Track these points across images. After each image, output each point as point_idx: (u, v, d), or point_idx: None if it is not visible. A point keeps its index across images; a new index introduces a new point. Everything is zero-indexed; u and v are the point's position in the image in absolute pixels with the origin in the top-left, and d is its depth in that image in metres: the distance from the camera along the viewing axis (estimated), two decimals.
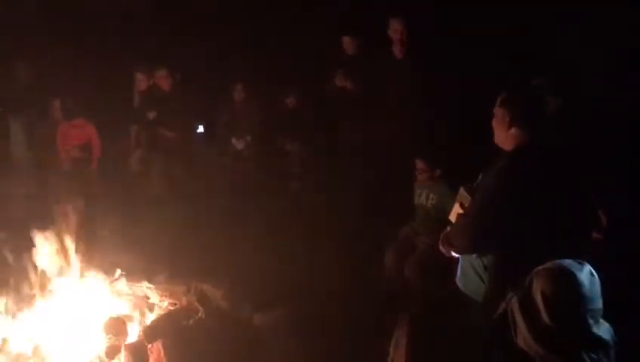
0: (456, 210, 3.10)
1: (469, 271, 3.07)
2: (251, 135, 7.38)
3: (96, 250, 4.72)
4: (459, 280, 3.16)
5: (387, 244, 5.13)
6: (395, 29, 6.34)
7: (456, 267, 3.21)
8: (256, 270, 5.07)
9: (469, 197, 3.03)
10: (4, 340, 3.78)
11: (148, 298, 4.36)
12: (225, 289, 4.61)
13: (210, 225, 5.99)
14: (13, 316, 4.01)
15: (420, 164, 4.97)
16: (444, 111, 5.91)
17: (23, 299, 4.13)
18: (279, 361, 4.04)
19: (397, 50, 6.36)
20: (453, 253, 3.09)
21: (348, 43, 6.79)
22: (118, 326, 3.82)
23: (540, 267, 2.36)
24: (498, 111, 2.95)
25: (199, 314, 4.18)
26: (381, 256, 5.12)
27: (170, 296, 4.40)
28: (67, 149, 6.82)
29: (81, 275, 4.26)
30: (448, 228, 3.14)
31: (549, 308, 2.27)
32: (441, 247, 3.12)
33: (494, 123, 2.99)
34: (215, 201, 6.60)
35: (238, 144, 7.36)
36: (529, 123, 2.89)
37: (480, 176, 3.11)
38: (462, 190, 3.12)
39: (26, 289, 4.21)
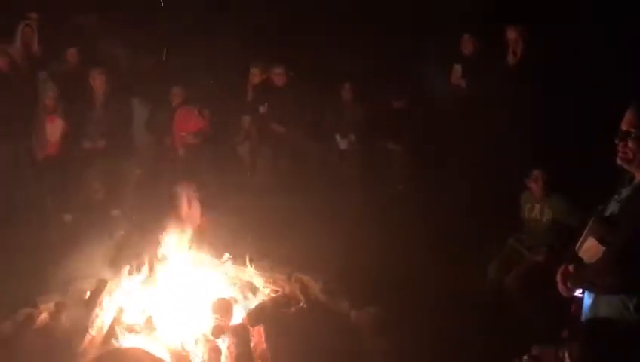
0: (591, 243, 2.71)
1: (610, 308, 2.71)
2: (356, 134, 7.43)
3: (205, 232, 4.94)
4: (589, 311, 2.90)
5: (491, 253, 5.04)
6: (510, 37, 6.20)
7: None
8: (356, 266, 5.13)
9: (607, 229, 2.65)
10: (120, 310, 4.02)
11: (252, 283, 4.49)
12: (324, 282, 4.70)
13: (311, 219, 6.11)
14: (130, 288, 4.26)
15: (537, 174, 4.80)
16: (557, 125, 5.76)
17: (138, 274, 4.36)
18: (373, 360, 4.05)
19: (510, 58, 6.21)
20: (577, 293, 2.87)
21: (467, 41, 6.69)
22: (225, 307, 3.96)
23: None
24: None
25: (301, 304, 4.27)
26: (481, 262, 5.05)
27: (274, 283, 4.51)
28: (182, 135, 7.14)
29: (193, 255, 4.46)
30: (571, 267, 2.80)
31: None
32: (560, 286, 2.84)
33: (633, 143, 2.58)
34: (317, 196, 6.71)
35: (342, 143, 7.43)
36: None
37: (613, 204, 2.73)
38: (595, 220, 2.73)
39: (141, 265, 4.44)
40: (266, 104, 7.25)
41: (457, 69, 6.74)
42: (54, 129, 6.48)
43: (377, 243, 5.69)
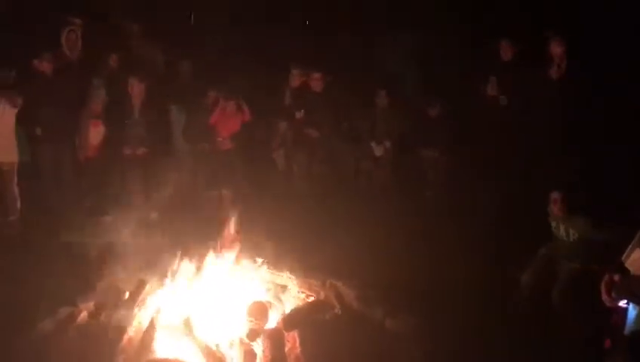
0: (638, 255, 2.75)
1: None
2: (391, 141, 7.42)
3: (242, 235, 4.98)
4: (634, 323, 2.87)
5: (523, 262, 4.99)
6: (555, 50, 6.10)
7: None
8: (390, 273, 5.12)
9: None
10: (158, 310, 4.09)
11: (287, 287, 4.51)
12: (358, 289, 4.70)
13: (345, 225, 6.12)
14: (168, 289, 4.32)
15: (556, 196, 4.75)
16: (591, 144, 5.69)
17: (176, 275, 4.42)
18: None
19: (553, 72, 6.13)
20: (621, 303, 2.82)
21: (506, 48, 6.62)
22: (260, 310, 3.99)
23: None
24: None
25: (335, 310, 4.28)
26: (514, 271, 5.01)
27: (309, 288, 4.52)
28: (219, 139, 7.22)
29: (230, 258, 4.50)
30: (616, 277, 2.81)
31: None
32: (604, 295, 2.85)
33: None
34: (352, 202, 6.72)
35: (377, 150, 7.43)
36: None
37: None
38: None
39: (178, 267, 4.50)
40: (303, 110, 7.29)
41: (493, 80, 6.67)
42: (97, 133, 6.62)
43: (411, 250, 5.69)
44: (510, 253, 5.43)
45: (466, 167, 6.91)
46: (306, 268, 4.86)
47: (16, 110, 5.85)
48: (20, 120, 6.02)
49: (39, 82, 6.21)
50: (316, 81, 7.34)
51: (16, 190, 6.00)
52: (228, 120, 7.16)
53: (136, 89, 6.66)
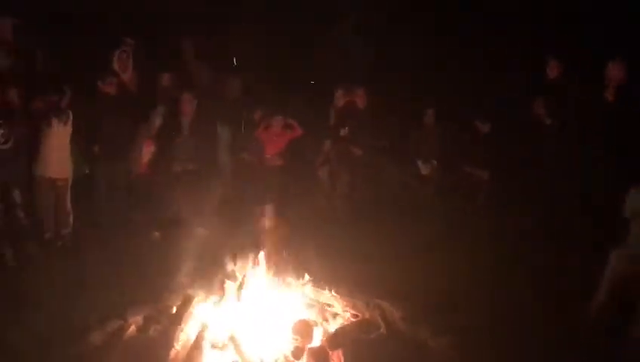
0: None
1: None
2: (437, 159, 7.36)
3: (286, 252, 5.00)
4: None
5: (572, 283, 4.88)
6: (613, 74, 5.94)
7: None
8: (436, 293, 5.06)
9: None
10: (205, 326, 4.12)
11: (332, 306, 4.49)
12: (404, 310, 4.64)
13: (390, 244, 6.08)
14: (215, 305, 4.36)
15: None
16: None
17: (223, 291, 4.46)
18: None
19: (609, 94, 5.98)
20: None
21: (552, 67, 6.51)
22: (305, 329, 3.98)
23: None
24: None
25: (381, 330, 4.23)
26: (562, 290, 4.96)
27: (353, 307, 4.49)
28: (266, 156, 7.30)
29: (274, 275, 4.52)
30: None
31: None
32: None
33: None
34: (396, 221, 6.67)
35: (424, 168, 7.38)
36: None
37: None
38: None
39: (225, 283, 4.53)
40: (347, 128, 7.31)
41: (540, 100, 6.55)
42: (148, 150, 6.78)
43: (458, 270, 5.60)
44: (560, 272, 5.39)
45: (513, 187, 6.82)
46: (350, 286, 4.83)
47: (69, 129, 6.05)
48: (79, 137, 6.21)
49: (99, 102, 6.40)
50: (360, 98, 7.36)
51: (69, 205, 6.18)
52: (274, 137, 7.24)
53: (189, 106, 6.78)
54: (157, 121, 6.72)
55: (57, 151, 6.00)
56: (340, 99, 7.45)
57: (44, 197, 6.02)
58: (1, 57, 6.15)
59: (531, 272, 5.58)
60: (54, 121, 5.91)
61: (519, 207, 6.70)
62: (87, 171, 6.44)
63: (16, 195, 5.78)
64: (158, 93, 7.12)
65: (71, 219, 6.22)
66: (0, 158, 5.62)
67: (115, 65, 6.84)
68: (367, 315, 4.42)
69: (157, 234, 6.50)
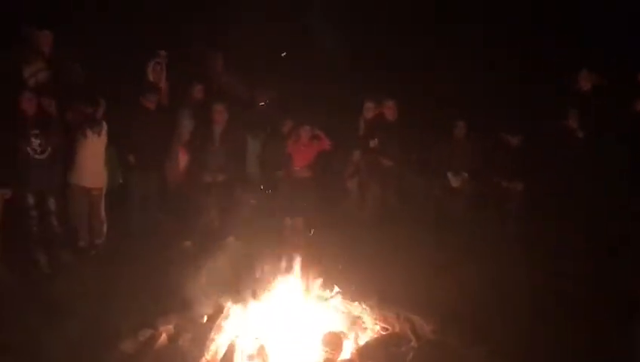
0: None
1: None
2: (468, 172, 7.30)
3: (315, 264, 4.99)
4: None
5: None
6: None
7: None
8: (467, 306, 5.02)
9: None
10: (235, 336, 4.14)
11: (361, 318, 4.47)
12: (434, 323, 4.60)
13: (420, 257, 6.02)
14: (245, 315, 4.37)
15: None
16: None
17: (253, 301, 4.48)
18: None
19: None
20: None
21: (585, 78, 6.42)
22: (335, 341, 3.97)
23: None
24: None
25: (411, 343, 4.19)
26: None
27: (384, 320, 4.46)
28: (295, 168, 7.32)
29: (305, 286, 4.51)
30: None
31: None
32: None
33: None
34: (427, 234, 6.62)
35: (454, 180, 7.32)
36: None
37: None
38: None
39: (255, 293, 4.55)
40: (376, 139, 7.29)
41: (574, 113, 6.46)
42: (183, 160, 6.87)
43: (488, 283, 5.54)
44: (597, 283, 5.37)
45: (546, 199, 6.74)
46: (380, 299, 4.81)
47: (104, 139, 6.16)
48: (115, 148, 6.33)
49: (133, 113, 6.52)
50: (390, 110, 7.34)
51: (103, 214, 6.29)
52: (303, 149, 7.27)
53: (221, 117, 6.85)
54: (186, 131, 6.80)
55: (92, 161, 6.11)
56: (369, 110, 7.44)
57: (78, 206, 6.14)
58: (40, 69, 6.28)
59: (565, 282, 5.55)
60: (89, 132, 6.04)
61: (553, 219, 6.63)
62: (121, 181, 6.53)
63: (51, 203, 5.90)
64: (190, 104, 7.19)
65: (105, 228, 6.32)
66: (36, 167, 5.75)
67: (150, 77, 6.94)
68: (397, 328, 4.39)
69: (188, 243, 6.56)
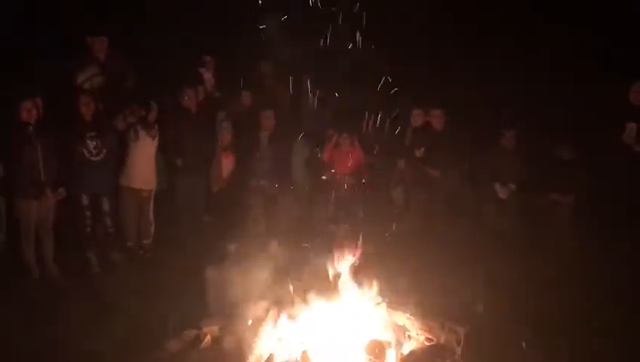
0: None
1: None
2: (516, 183, 7.17)
3: (361, 271, 4.97)
4: None
5: None
6: None
7: None
8: (516, 321, 4.90)
9: None
10: (279, 340, 4.15)
11: (405, 328, 4.42)
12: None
13: (465, 268, 5.93)
14: (289, 320, 4.38)
15: None
16: None
17: (296, 307, 4.48)
18: None
19: None
20: None
21: (637, 92, 6.24)
22: (379, 349, 3.93)
23: None
24: None
25: (456, 356, 4.13)
26: None
27: (429, 331, 4.40)
28: (338, 175, 7.33)
29: (349, 293, 4.49)
30: None
31: None
32: None
33: None
34: (472, 245, 6.52)
35: (502, 192, 7.19)
36: None
37: None
38: None
39: (299, 298, 4.55)
40: (423, 148, 7.24)
41: (632, 127, 6.28)
42: (228, 165, 6.96)
43: (536, 298, 5.41)
44: None
45: (596, 216, 6.57)
46: (425, 309, 4.75)
47: (156, 142, 6.30)
48: (164, 151, 6.47)
49: (182, 117, 6.65)
50: (437, 118, 7.28)
51: (151, 215, 6.43)
52: (344, 157, 7.30)
53: (269, 123, 6.93)
54: (225, 133, 6.88)
55: (143, 164, 6.26)
56: (417, 118, 7.40)
57: (128, 207, 6.30)
58: (94, 74, 6.49)
59: (624, 296, 5.41)
60: (142, 135, 6.19)
61: (606, 233, 6.47)
62: (168, 184, 6.66)
63: (105, 204, 6.08)
64: (236, 109, 7.29)
65: (152, 229, 6.46)
66: (91, 168, 5.93)
67: (198, 82, 7.09)
68: (442, 339, 4.32)
69: (233, 246, 6.62)
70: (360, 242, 4.80)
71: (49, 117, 5.74)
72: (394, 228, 7.02)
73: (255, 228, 6.72)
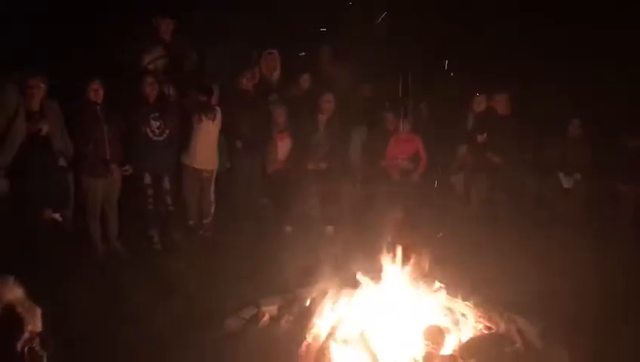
0: None
1: None
2: (581, 173, 6.93)
3: (419, 258, 4.91)
4: None
5: None
6: None
7: None
8: (575, 312, 4.75)
9: None
10: (337, 321, 4.15)
11: (465, 315, 4.35)
12: (540, 327, 4.41)
13: (526, 258, 5.79)
14: (348, 301, 4.38)
15: None
16: None
17: (355, 289, 4.47)
18: None
19: None
20: None
21: None
22: (438, 335, 3.87)
23: None
24: None
25: (516, 345, 4.04)
26: None
27: (488, 319, 4.32)
28: (396, 161, 7.26)
29: (408, 278, 4.45)
30: None
31: None
32: None
33: None
34: (535, 235, 6.36)
35: (566, 181, 6.97)
36: None
37: None
38: None
39: (358, 281, 4.54)
40: (485, 134, 7.07)
41: None
42: (284, 147, 6.99)
43: (600, 291, 5.20)
44: None
45: None
46: (485, 297, 4.66)
47: (218, 124, 6.39)
48: (225, 132, 6.55)
49: (242, 99, 6.71)
50: (501, 104, 7.09)
51: (212, 195, 6.54)
52: (402, 143, 7.22)
53: (329, 106, 6.92)
54: (279, 114, 6.90)
55: (205, 145, 6.37)
56: (480, 103, 7.22)
57: (190, 187, 6.43)
58: (160, 56, 6.61)
59: None
60: (203, 117, 6.29)
61: None
62: (228, 165, 6.75)
63: (166, 182, 6.23)
64: (294, 92, 7.30)
65: (212, 209, 6.57)
66: (154, 148, 6.08)
67: (262, 66, 7.12)
68: (502, 328, 4.24)
69: (289, 228, 6.69)
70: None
71: (115, 97, 5.89)
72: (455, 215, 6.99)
73: (311, 211, 6.76)
